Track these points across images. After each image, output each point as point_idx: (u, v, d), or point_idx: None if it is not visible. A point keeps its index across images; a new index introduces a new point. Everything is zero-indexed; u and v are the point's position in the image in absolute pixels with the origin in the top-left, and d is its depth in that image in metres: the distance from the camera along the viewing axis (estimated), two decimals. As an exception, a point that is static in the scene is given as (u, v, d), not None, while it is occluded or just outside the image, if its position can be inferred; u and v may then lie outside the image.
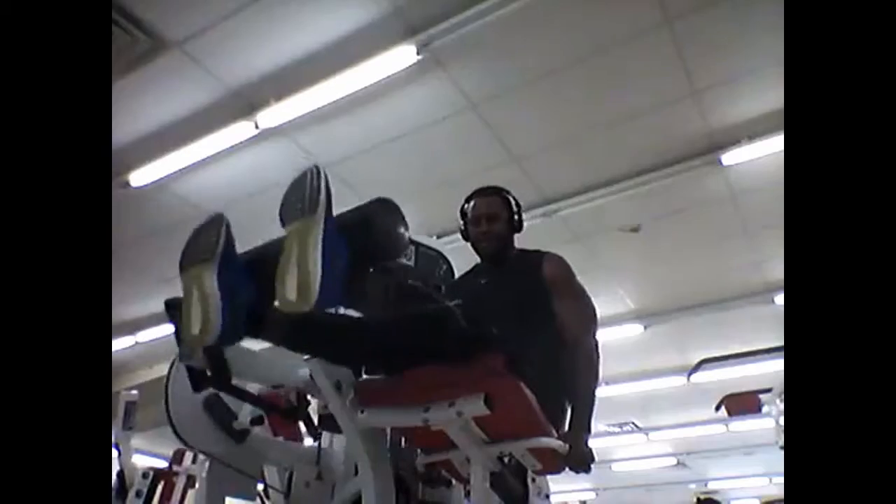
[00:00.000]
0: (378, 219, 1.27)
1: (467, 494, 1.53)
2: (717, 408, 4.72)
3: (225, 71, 3.47)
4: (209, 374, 1.35)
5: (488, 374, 1.31)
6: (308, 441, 1.99)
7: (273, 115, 3.66)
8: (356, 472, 1.61)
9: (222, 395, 1.69)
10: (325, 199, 1.19)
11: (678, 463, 10.04)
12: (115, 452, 3.55)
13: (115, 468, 3.53)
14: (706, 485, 10.80)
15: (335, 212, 1.23)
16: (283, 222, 1.22)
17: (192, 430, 1.69)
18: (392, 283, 1.32)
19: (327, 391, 1.45)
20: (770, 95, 3.55)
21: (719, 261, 5.20)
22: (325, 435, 1.88)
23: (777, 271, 5.22)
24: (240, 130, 3.78)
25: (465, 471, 1.56)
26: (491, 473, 1.53)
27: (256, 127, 3.74)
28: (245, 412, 1.77)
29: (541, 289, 1.84)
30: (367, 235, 1.24)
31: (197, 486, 3.08)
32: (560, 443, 1.49)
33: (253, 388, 1.74)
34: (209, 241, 1.26)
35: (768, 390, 4.30)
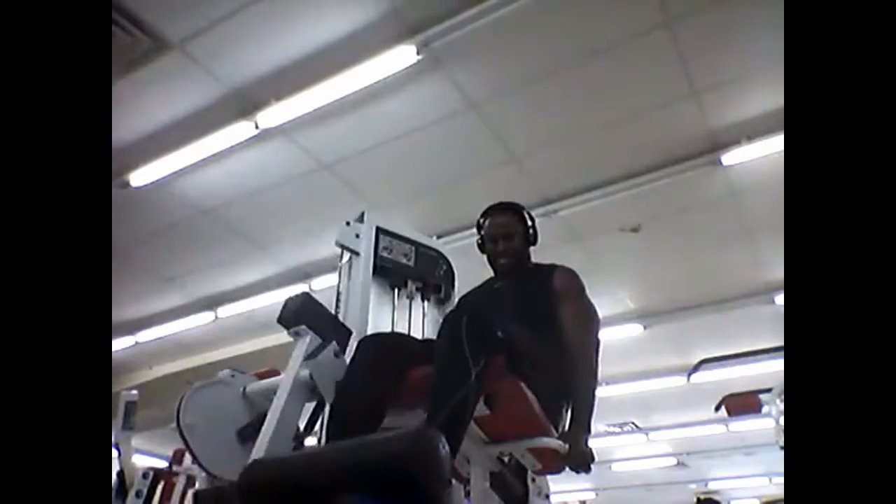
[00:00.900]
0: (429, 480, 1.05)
1: (467, 494, 1.53)
2: (717, 408, 4.71)
3: (225, 71, 3.47)
4: None
5: (488, 374, 1.32)
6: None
7: (273, 115, 3.66)
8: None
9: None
10: None
11: (678, 463, 10.04)
12: (115, 452, 3.55)
13: (115, 468, 3.52)
14: (706, 485, 10.81)
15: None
16: None
17: (221, 461, 1.69)
18: None
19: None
20: (770, 95, 3.55)
21: (719, 261, 5.20)
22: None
23: (777, 271, 5.21)
24: (240, 130, 3.78)
25: (465, 471, 1.56)
26: (491, 473, 1.53)
27: (256, 127, 3.74)
28: None
29: (548, 295, 1.86)
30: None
31: (197, 485, 3.08)
32: (560, 443, 1.50)
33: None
34: None
35: (768, 390, 4.29)
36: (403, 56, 3.26)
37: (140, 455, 3.74)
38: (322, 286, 5.25)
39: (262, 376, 1.93)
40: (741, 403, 4.58)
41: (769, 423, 4.47)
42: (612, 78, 3.50)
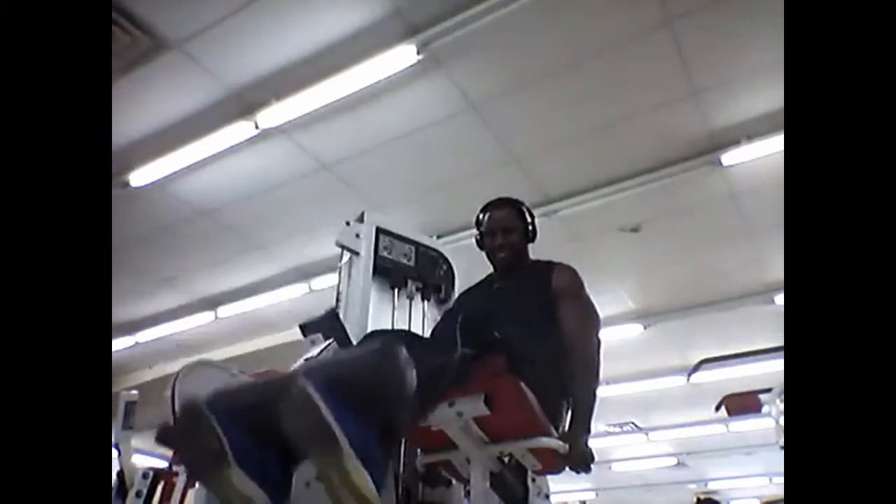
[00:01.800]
0: (388, 391, 1.17)
1: (467, 494, 1.53)
2: (717, 408, 4.70)
3: (225, 71, 3.47)
4: None
5: (488, 374, 1.32)
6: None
7: (273, 115, 3.66)
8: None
9: None
10: (340, 432, 1.06)
11: (678, 463, 10.04)
12: (115, 452, 3.54)
13: (115, 468, 3.52)
14: (706, 485, 10.81)
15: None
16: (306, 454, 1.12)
17: None
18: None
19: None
20: (770, 95, 3.55)
21: (719, 261, 5.20)
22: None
23: (777, 271, 5.21)
24: (240, 130, 3.78)
25: (465, 471, 1.57)
26: (491, 473, 1.53)
27: (256, 127, 3.74)
28: None
29: (547, 294, 1.85)
30: (385, 412, 1.17)
31: (197, 485, 3.08)
32: (560, 443, 1.50)
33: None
34: (212, 445, 1.09)
35: (768, 390, 4.29)
36: (403, 56, 3.26)
37: (140, 455, 3.73)
38: (322, 286, 5.25)
39: (260, 377, 1.93)
40: (741, 403, 4.58)
41: (769, 423, 4.47)
42: (613, 78, 3.50)
